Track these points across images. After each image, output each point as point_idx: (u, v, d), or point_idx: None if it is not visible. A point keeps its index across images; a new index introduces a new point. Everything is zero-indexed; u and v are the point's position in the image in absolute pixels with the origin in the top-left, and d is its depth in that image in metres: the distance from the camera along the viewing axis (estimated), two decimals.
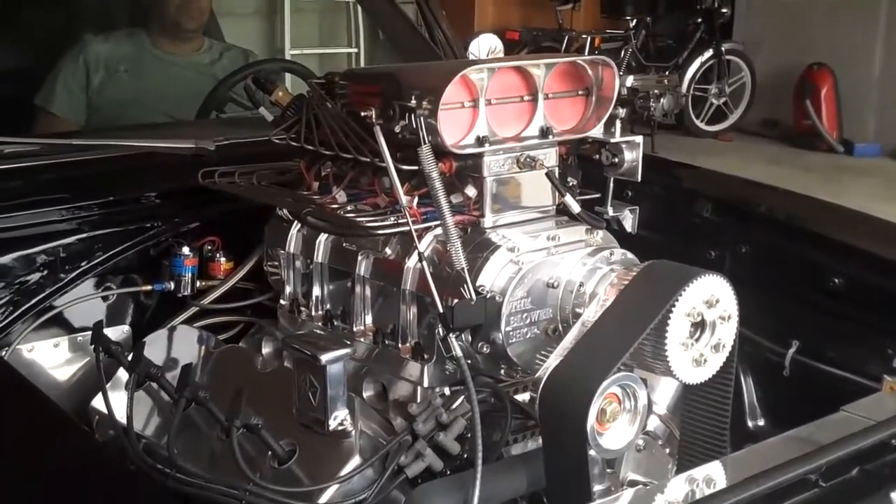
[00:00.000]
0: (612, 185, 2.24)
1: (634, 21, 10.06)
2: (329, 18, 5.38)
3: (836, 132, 9.67)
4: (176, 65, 3.66)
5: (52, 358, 2.35)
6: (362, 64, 4.57)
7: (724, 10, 10.22)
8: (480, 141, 2.00)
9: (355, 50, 4.36)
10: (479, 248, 1.98)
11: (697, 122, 10.10)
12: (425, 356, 2.01)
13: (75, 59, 3.53)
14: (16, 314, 2.28)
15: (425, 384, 2.01)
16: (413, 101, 1.93)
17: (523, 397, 2.01)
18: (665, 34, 10.50)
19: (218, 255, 2.48)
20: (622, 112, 2.16)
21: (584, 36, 9.88)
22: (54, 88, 3.49)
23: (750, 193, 2.94)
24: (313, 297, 2.24)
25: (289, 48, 4.96)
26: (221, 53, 3.75)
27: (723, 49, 10.08)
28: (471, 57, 2.47)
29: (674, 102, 9.16)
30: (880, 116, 9.69)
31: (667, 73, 9.60)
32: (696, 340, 1.80)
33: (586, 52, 8.85)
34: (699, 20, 10.18)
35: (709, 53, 10.01)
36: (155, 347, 2.24)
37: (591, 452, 1.71)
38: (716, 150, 9.44)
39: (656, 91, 8.21)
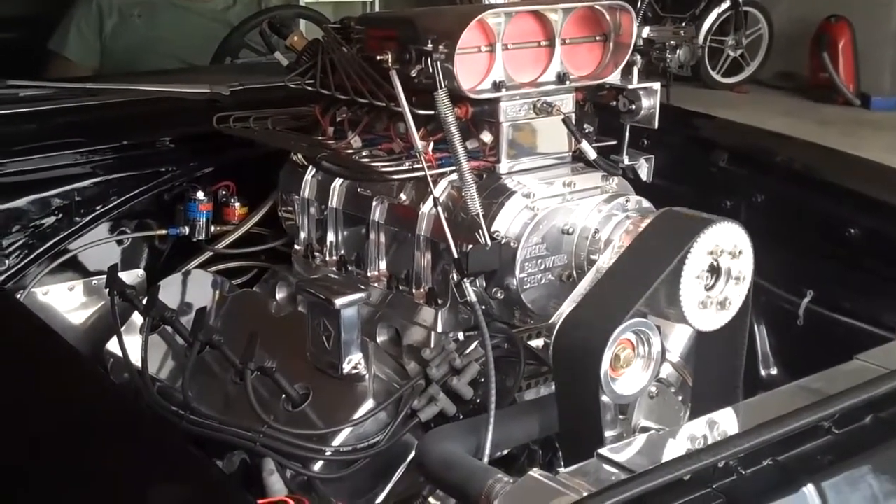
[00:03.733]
0: (627, 132, 2.22)
1: None
2: None
3: (853, 85, 9.59)
4: (190, 10, 3.65)
5: (66, 301, 2.36)
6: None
7: None
8: (497, 86, 1.99)
9: None
10: (495, 193, 1.98)
11: (713, 74, 10.01)
12: (439, 301, 2.02)
13: (88, 4, 3.51)
14: (31, 257, 2.29)
15: (439, 329, 2.01)
16: (430, 46, 1.91)
17: (537, 343, 2.01)
18: None
19: (232, 199, 2.49)
20: (639, 59, 2.14)
21: None
22: (68, 33, 3.48)
23: (766, 143, 2.92)
24: (328, 243, 2.24)
25: None
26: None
27: (740, 0, 9.97)
28: (487, 2, 2.45)
29: (690, 54, 9.05)
30: None
31: (683, 24, 9.49)
32: (711, 287, 1.79)
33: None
34: None
35: (726, 4, 9.89)
36: (169, 291, 2.25)
37: (604, 398, 1.71)
38: (731, 102, 9.37)
39: (672, 42, 8.13)
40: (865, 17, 9.45)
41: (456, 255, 1.90)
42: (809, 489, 1.46)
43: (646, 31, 2.16)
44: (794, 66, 10.09)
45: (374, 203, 2.12)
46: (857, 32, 9.52)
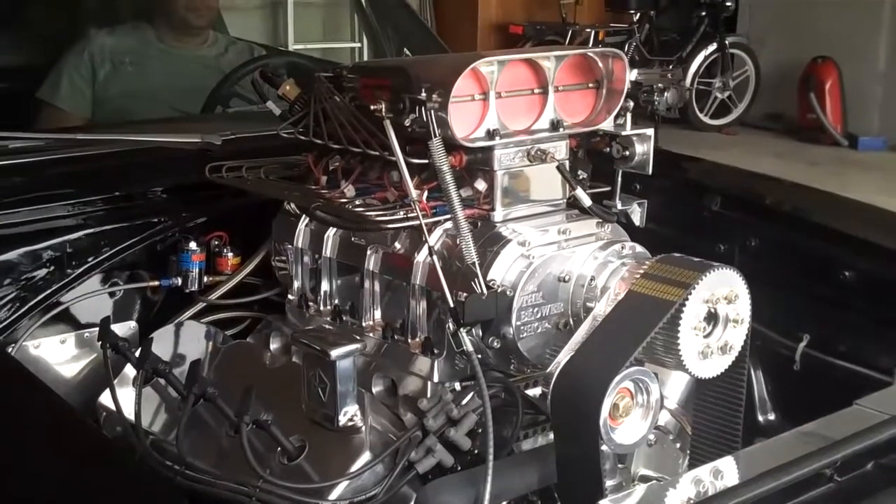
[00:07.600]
0: (620, 178, 2.22)
1: (638, 15, 10.03)
2: (332, 13, 5.38)
3: (841, 126, 9.64)
4: (181, 59, 3.64)
5: (58, 354, 2.34)
6: (365, 58, 4.56)
7: (728, 4, 10.15)
8: (491, 134, 1.98)
9: (358, 44, 4.36)
10: (490, 241, 1.97)
11: (701, 116, 10.06)
12: (435, 351, 2.00)
13: (80, 53, 3.51)
14: (22, 310, 2.27)
15: (435, 379, 1.99)
16: (423, 94, 1.91)
17: (534, 392, 1.99)
18: (669, 28, 10.47)
19: (225, 250, 2.48)
20: (632, 105, 2.15)
21: (588, 30, 9.85)
22: (59, 82, 3.47)
23: (759, 187, 2.92)
24: (322, 292, 2.23)
25: (292, 42, 4.96)
26: (227, 47, 3.73)
27: (727, 42, 10.04)
28: None
29: (678, 96, 9.09)
30: (885, 110, 9.66)
31: (671, 66, 9.56)
32: (709, 334, 1.79)
33: (590, 47, 8.82)
34: (703, 13, 10.12)
35: (713, 47, 9.98)
36: (162, 343, 2.23)
37: (604, 447, 1.70)
38: (720, 144, 9.41)
39: (660, 85, 8.17)
40: (852, 57, 9.52)
41: (452, 305, 1.89)
42: None
43: (634, 74, 2.17)
44: (781, 108, 10.15)
45: (369, 252, 2.11)
46: (844, 73, 9.58)
